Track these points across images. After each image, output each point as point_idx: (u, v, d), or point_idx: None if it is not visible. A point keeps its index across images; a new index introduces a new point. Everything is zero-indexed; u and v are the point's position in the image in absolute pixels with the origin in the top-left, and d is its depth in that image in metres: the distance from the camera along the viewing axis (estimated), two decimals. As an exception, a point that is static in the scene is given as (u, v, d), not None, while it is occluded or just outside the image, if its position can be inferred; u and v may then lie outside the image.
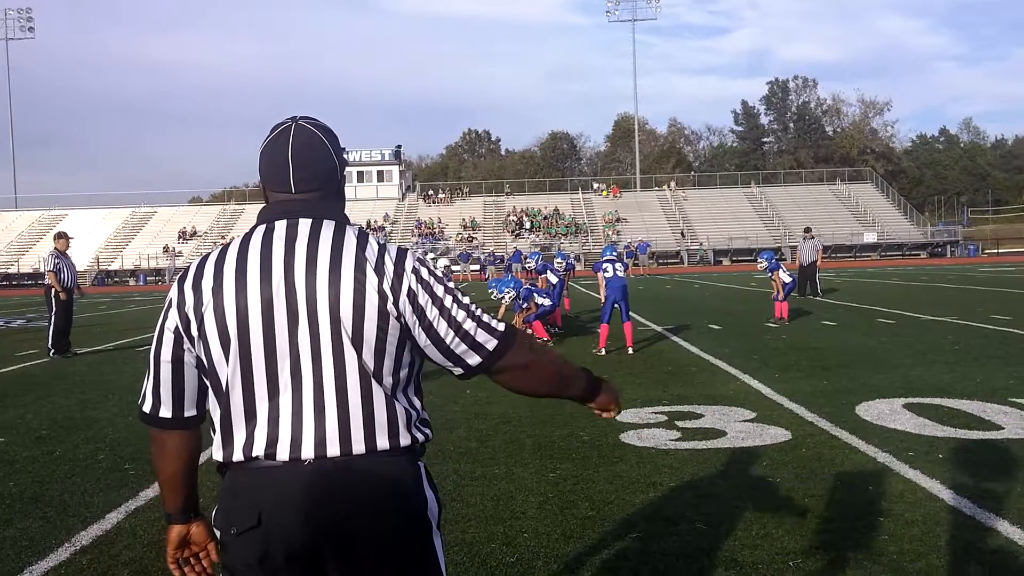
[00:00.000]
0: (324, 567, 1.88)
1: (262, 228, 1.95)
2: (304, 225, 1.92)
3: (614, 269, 12.24)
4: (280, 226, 1.93)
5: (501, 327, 1.98)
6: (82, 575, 4.18)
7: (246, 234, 1.96)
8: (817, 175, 76.16)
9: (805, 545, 4.22)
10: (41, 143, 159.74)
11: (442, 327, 1.92)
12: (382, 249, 1.93)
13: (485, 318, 1.97)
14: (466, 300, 1.98)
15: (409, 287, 1.90)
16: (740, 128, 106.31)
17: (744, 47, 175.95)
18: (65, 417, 8.41)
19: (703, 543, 4.31)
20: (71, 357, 13.43)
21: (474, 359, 1.95)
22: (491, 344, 1.95)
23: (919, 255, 60.06)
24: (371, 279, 1.87)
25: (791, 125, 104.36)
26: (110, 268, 59.98)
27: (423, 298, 1.91)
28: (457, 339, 1.93)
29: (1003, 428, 6.50)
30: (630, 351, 12.03)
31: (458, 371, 1.97)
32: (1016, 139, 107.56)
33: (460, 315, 1.94)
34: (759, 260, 16.30)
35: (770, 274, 15.93)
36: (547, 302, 13.39)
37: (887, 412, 7.26)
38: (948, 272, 35.79)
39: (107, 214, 69.35)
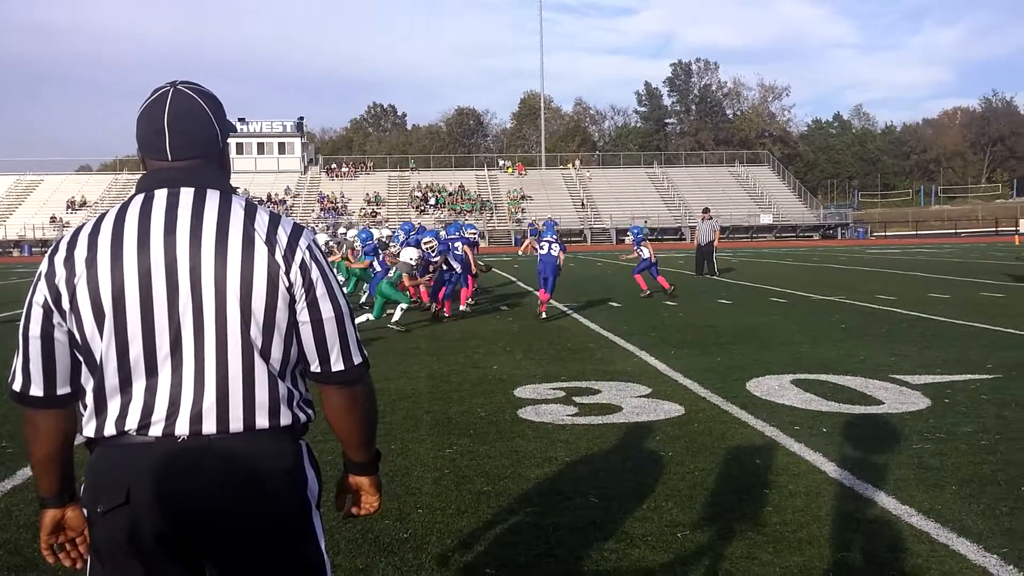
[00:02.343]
0: (196, 548, 1.83)
1: (140, 197, 1.87)
2: (186, 194, 1.85)
3: (548, 247, 13.65)
4: (160, 195, 1.85)
5: (364, 351, 1.98)
6: (-49, 560, 3.97)
7: (123, 204, 1.88)
8: (717, 157, 78.23)
9: (693, 517, 4.34)
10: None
11: (326, 309, 1.88)
12: (274, 219, 1.89)
13: (358, 334, 1.97)
14: (347, 304, 1.96)
15: (302, 260, 1.86)
16: (644, 109, 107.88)
17: (650, 28, 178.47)
18: (-63, 394, 7.94)
19: (596, 516, 4.38)
20: None
21: (339, 364, 1.91)
22: (357, 358, 1.94)
23: (812, 236, 62.38)
24: (260, 250, 1.82)
25: (693, 107, 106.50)
26: (-8, 238, 57.07)
27: (315, 273, 1.87)
28: (334, 334, 1.89)
29: (884, 403, 6.81)
30: (543, 316, 13.16)
31: (315, 368, 1.91)
32: (904, 126, 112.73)
33: (343, 311, 1.91)
34: (628, 234, 17.51)
35: (636, 248, 17.38)
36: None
37: (776, 388, 7.52)
38: (839, 253, 37.26)
39: (-11, 181, 65.81)
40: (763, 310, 14.24)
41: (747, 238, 60.66)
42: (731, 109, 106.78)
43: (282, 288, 1.83)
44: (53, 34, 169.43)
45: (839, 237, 62.05)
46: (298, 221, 2.01)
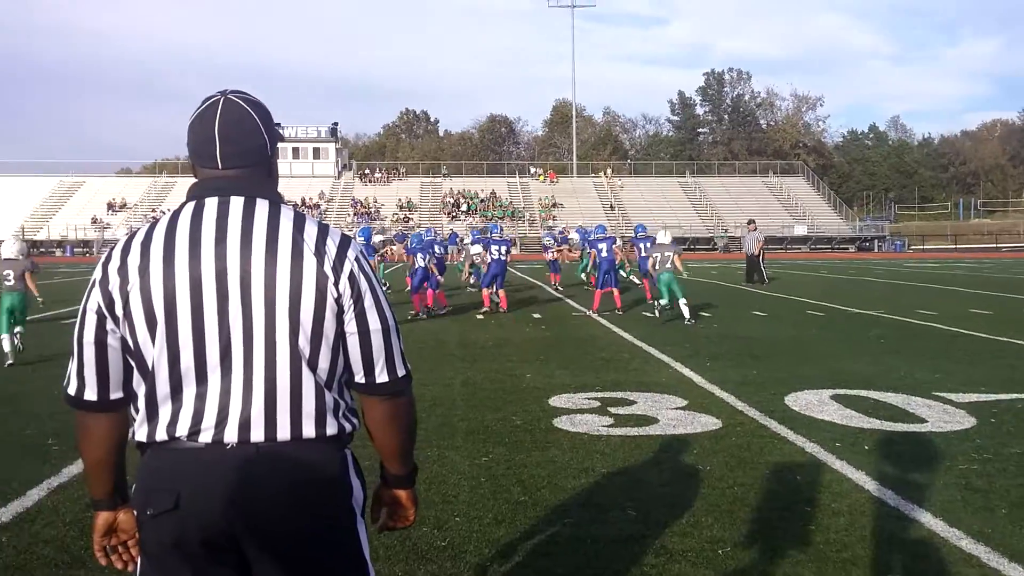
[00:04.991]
0: (243, 554, 1.83)
1: (191, 205, 1.88)
2: (236, 203, 1.86)
3: (608, 248, 15.55)
4: (211, 204, 1.86)
5: (408, 364, 1.99)
6: (2, 553, 4.03)
7: (175, 212, 1.89)
8: (750, 167, 77.62)
9: (734, 534, 4.28)
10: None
11: (374, 320, 1.89)
12: (323, 230, 1.90)
13: (403, 346, 1.98)
14: (394, 316, 1.97)
15: (351, 271, 1.87)
16: (676, 118, 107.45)
17: (682, 38, 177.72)
18: (-19, 391, 8.09)
19: (634, 530, 4.33)
20: None
21: (384, 376, 1.93)
22: (402, 371, 1.95)
23: (848, 249, 61.71)
24: (309, 260, 1.83)
25: (726, 117, 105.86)
26: (36, 238, 57.98)
27: (363, 285, 1.88)
28: (381, 346, 1.91)
29: (927, 421, 6.69)
30: (619, 312, 15.13)
31: (360, 378, 1.92)
32: (942, 138, 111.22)
33: (390, 324, 1.93)
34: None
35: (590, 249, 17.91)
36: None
37: (815, 403, 7.42)
38: (875, 266, 36.81)
39: (33, 182, 66.89)
40: (800, 323, 14.09)
41: (781, 249, 60.10)
42: (764, 119, 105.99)
43: (330, 299, 1.83)
44: (95, 37, 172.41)
45: (875, 250, 61.31)
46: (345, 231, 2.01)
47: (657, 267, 13.95)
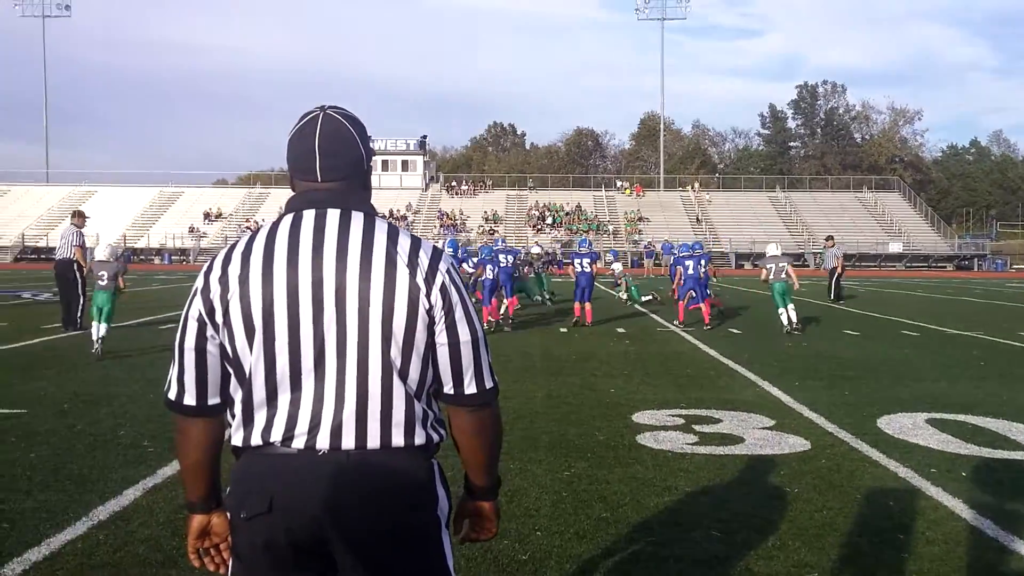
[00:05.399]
0: (332, 558, 1.88)
1: (290, 217, 1.94)
2: (333, 216, 1.92)
3: (694, 266, 15.59)
4: (308, 216, 1.92)
5: (496, 377, 2.03)
6: (99, 549, 4.20)
7: (274, 223, 1.96)
8: (844, 182, 75.56)
9: (823, 559, 4.17)
10: (73, 120, 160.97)
11: (464, 332, 1.93)
12: (415, 243, 1.94)
13: (490, 359, 2.01)
14: (483, 329, 2.01)
15: (443, 283, 1.90)
16: (767, 131, 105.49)
17: (774, 50, 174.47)
18: (87, 391, 8.47)
19: (718, 551, 4.26)
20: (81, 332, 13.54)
21: (472, 387, 1.96)
22: (489, 383, 2.00)
23: (946, 267, 59.45)
24: (402, 272, 1.87)
25: (819, 130, 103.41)
26: (136, 246, 60.43)
27: (454, 297, 1.92)
28: (470, 357, 1.95)
29: (1028, 448, 6.40)
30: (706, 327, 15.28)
31: (448, 389, 1.96)
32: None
33: (479, 336, 1.97)
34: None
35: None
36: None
37: (910, 426, 7.17)
38: (975, 286, 35.39)
39: (135, 192, 69.82)
40: (893, 343, 13.64)
41: (875, 267, 58.33)
42: (859, 133, 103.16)
43: (422, 310, 1.87)
44: (193, 53, 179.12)
45: (975, 269, 58.89)
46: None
47: (772, 277, 15.14)
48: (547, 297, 19.63)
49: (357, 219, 1.92)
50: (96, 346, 10.77)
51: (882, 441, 6.62)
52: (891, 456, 6.13)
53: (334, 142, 1.94)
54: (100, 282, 11.23)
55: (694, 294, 15.48)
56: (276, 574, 1.88)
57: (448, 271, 1.93)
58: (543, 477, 5.54)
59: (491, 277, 15.20)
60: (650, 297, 21.26)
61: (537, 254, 22.60)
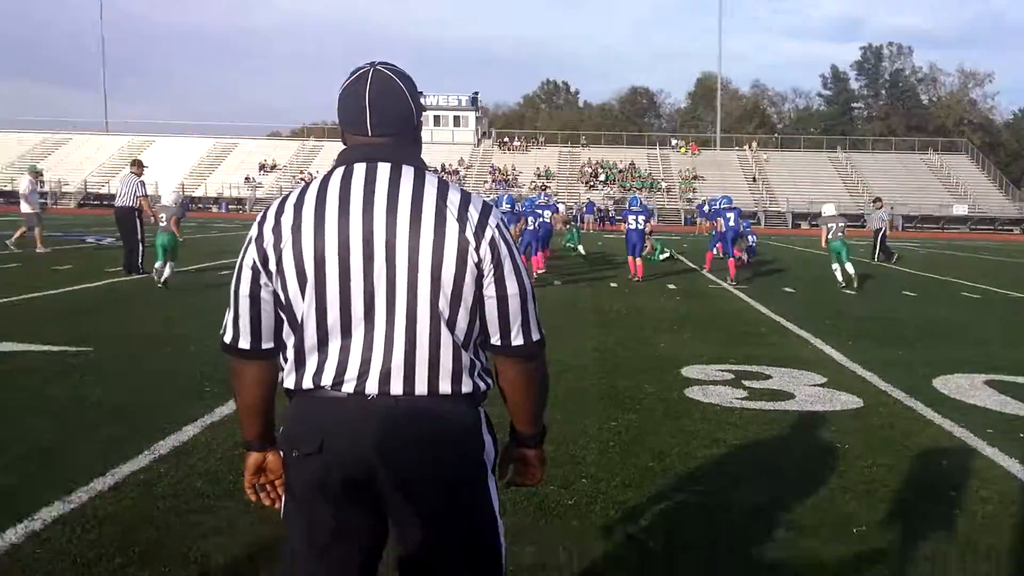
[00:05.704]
0: (380, 497, 1.93)
1: (341, 170, 1.97)
2: (383, 169, 1.94)
3: (735, 218, 16.33)
4: (359, 169, 1.95)
5: (543, 330, 2.05)
6: (161, 480, 4.35)
7: (325, 175, 1.98)
8: (908, 144, 73.44)
9: (871, 513, 4.14)
10: (130, 73, 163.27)
11: (512, 286, 1.95)
12: (465, 197, 1.95)
13: (537, 312, 2.03)
14: (531, 283, 2.01)
15: (492, 237, 1.92)
16: (828, 92, 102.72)
17: (836, 11, 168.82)
18: (150, 332, 8.71)
19: (765, 502, 4.26)
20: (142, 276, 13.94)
21: (519, 339, 1.99)
22: (536, 336, 2.02)
23: (1012, 231, 57.73)
24: (452, 226, 1.89)
25: (883, 92, 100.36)
26: (194, 195, 61.47)
27: (503, 251, 1.93)
28: (518, 310, 1.97)
29: (1089, 412, 6.25)
30: (732, 282, 15.59)
31: (495, 340, 1.98)
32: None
33: (527, 290, 1.98)
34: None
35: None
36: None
37: (967, 387, 7.04)
38: (1040, 251, 34.35)
39: (192, 143, 70.88)
40: (953, 305, 13.35)
41: (938, 229, 56.87)
42: (926, 95, 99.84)
43: (471, 263, 1.89)
44: (249, 5, 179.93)
45: (1043, 233, 57.08)
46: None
47: (831, 236, 15.60)
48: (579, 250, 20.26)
49: (408, 173, 1.94)
50: (161, 279, 12.11)
51: (937, 401, 6.52)
52: (946, 416, 6.03)
53: (384, 97, 1.96)
54: (161, 223, 12.60)
55: (719, 251, 16.20)
56: (326, 510, 1.94)
57: (498, 226, 1.94)
58: (591, 427, 5.57)
59: (533, 228, 15.45)
60: (668, 255, 21.34)
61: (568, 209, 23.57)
